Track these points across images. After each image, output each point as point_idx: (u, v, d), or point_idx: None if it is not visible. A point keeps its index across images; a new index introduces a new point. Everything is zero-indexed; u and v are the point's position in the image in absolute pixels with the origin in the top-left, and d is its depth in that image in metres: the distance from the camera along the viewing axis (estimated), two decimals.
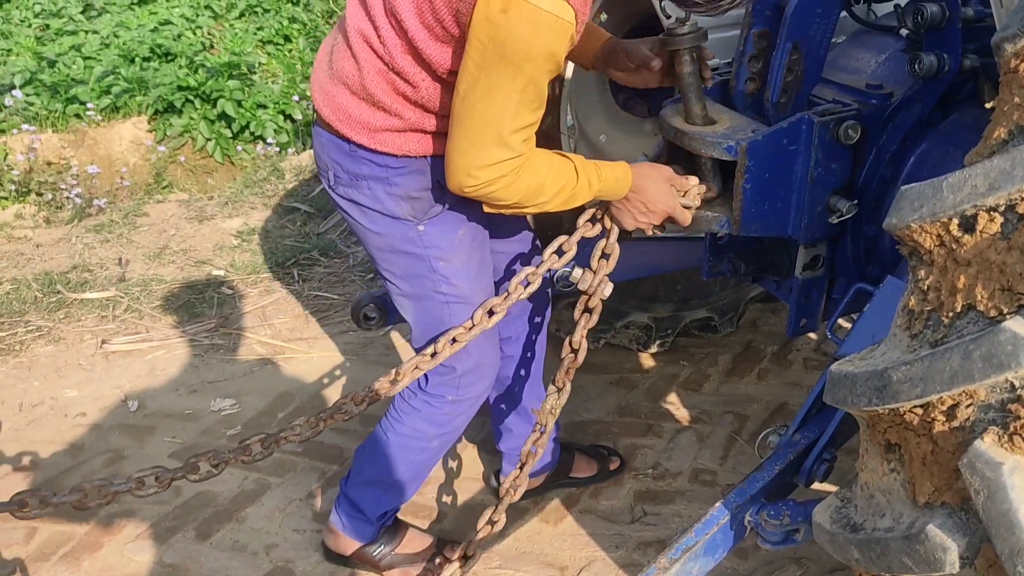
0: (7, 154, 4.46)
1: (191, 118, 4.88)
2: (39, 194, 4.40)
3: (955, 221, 1.12)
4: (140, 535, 2.45)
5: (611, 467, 2.63)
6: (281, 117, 5.08)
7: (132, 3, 6.36)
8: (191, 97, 4.91)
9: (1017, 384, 1.06)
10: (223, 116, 4.92)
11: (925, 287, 1.20)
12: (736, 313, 3.18)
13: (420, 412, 2.12)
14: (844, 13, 2.00)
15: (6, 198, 4.38)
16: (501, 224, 2.06)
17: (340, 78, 1.82)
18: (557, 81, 2.49)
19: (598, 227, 1.91)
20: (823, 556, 2.12)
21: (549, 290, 2.28)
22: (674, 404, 2.95)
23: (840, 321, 1.97)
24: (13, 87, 4.87)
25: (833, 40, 1.96)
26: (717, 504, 1.76)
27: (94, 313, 3.51)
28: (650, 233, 1.91)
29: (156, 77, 5.02)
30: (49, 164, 4.55)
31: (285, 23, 6.17)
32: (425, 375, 2.09)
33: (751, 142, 1.82)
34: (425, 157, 1.83)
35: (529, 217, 2.14)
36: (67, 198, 4.36)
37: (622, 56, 1.94)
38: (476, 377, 2.09)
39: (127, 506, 2.54)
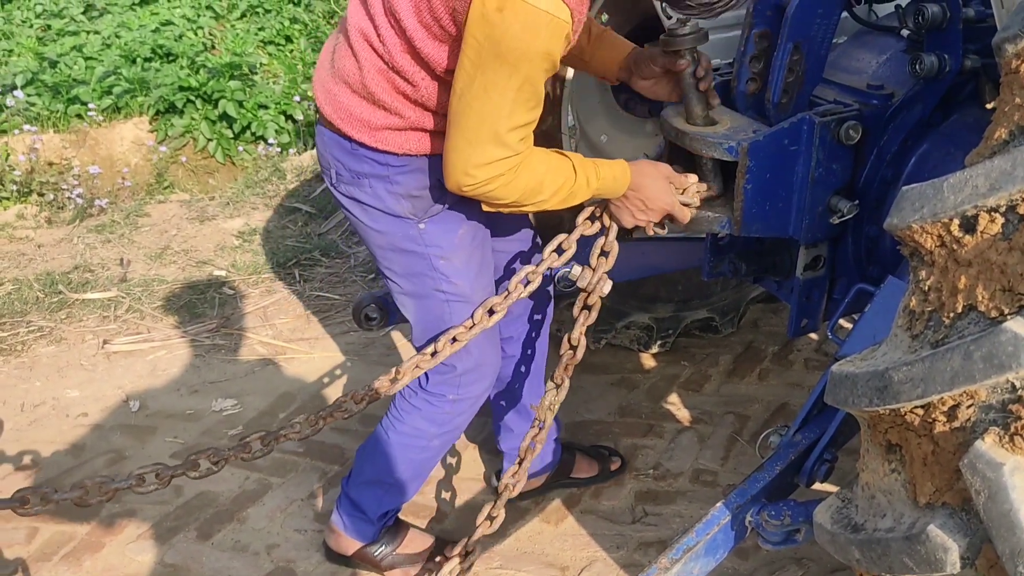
0: (9, 154, 4.47)
1: (192, 118, 4.88)
2: (41, 194, 4.41)
3: (956, 222, 1.12)
4: (141, 535, 2.45)
5: (612, 467, 2.63)
6: (282, 117, 5.08)
7: (133, 3, 6.36)
8: (192, 97, 4.92)
9: (1018, 385, 1.06)
10: (224, 116, 4.92)
11: (926, 287, 1.20)
12: (737, 313, 3.17)
13: (421, 411, 2.12)
14: (845, 14, 2.00)
15: (8, 198, 4.39)
16: (502, 223, 2.06)
17: (341, 77, 1.83)
18: (558, 82, 2.49)
19: (597, 225, 1.91)
20: (824, 556, 2.12)
21: (551, 290, 2.28)
22: (675, 404, 2.95)
23: (841, 321, 1.97)
24: (15, 87, 4.87)
25: (834, 41, 1.96)
26: (718, 504, 1.76)
27: (96, 313, 3.51)
28: (651, 233, 1.91)
29: (157, 77, 5.03)
30: (51, 164, 4.56)
31: (286, 23, 6.17)
32: (426, 374, 2.09)
33: (752, 142, 1.82)
34: (426, 156, 1.84)
35: (530, 216, 2.15)
36: (68, 198, 4.36)
37: (647, 63, 1.93)
38: (477, 376, 2.09)
39: (128, 506, 2.54)
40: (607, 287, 1.91)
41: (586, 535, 2.43)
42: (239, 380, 3.11)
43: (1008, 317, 1.07)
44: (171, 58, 5.39)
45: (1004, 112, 1.15)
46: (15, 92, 4.80)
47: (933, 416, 1.15)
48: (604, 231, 1.91)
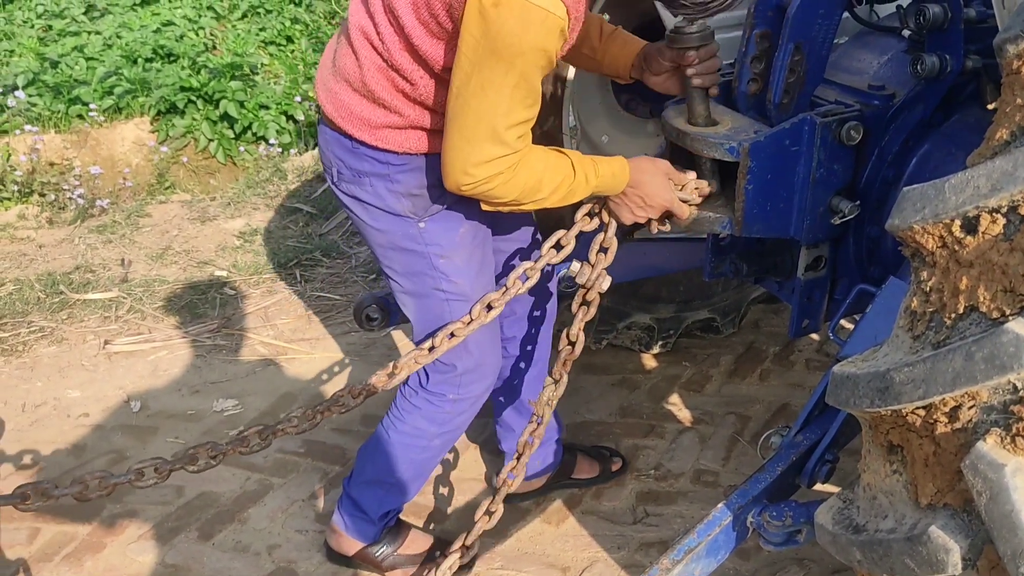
0: (10, 155, 4.47)
1: (193, 119, 4.88)
2: (42, 195, 4.41)
3: (957, 222, 1.12)
4: (143, 535, 2.45)
5: (613, 468, 2.63)
6: (283, 118, 5.08)
7: (135, 4, 6.36)
8: (193, 98, 4.92)
9: (1019, 385, 1.06)
10: (225, 117, 4.93)
11: (927, 288, 1.20)
12: (738, 314, 3.17)
13: (421, 410, 2.12)
14: (846, 14, 2.00)
15: (9, 199, 4.39)
16: (503, 222, 2.06)
17: (342, 75, 1.84)
18: (559, 82, 2.49)
19: (596, 221, 1.91)
20: (825, 557, 2.12)
21: (553, 290, 2.28)
22: (676, 405, 2.95)
23: (842, 322, 1.97)
24: (16, 88, 4.87)
25: (835, 41, 1.96)
26: (719, 505, 1.76)
27: (97, 314, 3.51)
28: (654, 231, 1.92)
29: (159, 78, 5.03)
30: (52, 165, 4.56)
31: (287, 24, 6.17)
32: (426, 373, 2.10)
33: (753, 143, 1.82)
34: (426, 154, 1.84)
35: (532, 215, 2.15)
36: (70, 199, 4.36)
37: (657, 58, 1.92)
38: (477, 376, 2.09)
39: (130, 506, 2.54)
40: (606, 283, 1.91)
41: (587, 536, 2.43)
42: (240, 380, 3.11)
43: (1010, 318, 1.07)
44: (172, 58, 5.39)
45: (1005, 113, 1.14)
46: (16, 92, 4.80)
47: (935, 417, 1.15)
48: (603, 227, 1.91)
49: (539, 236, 2.20)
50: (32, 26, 6.08)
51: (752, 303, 3.19)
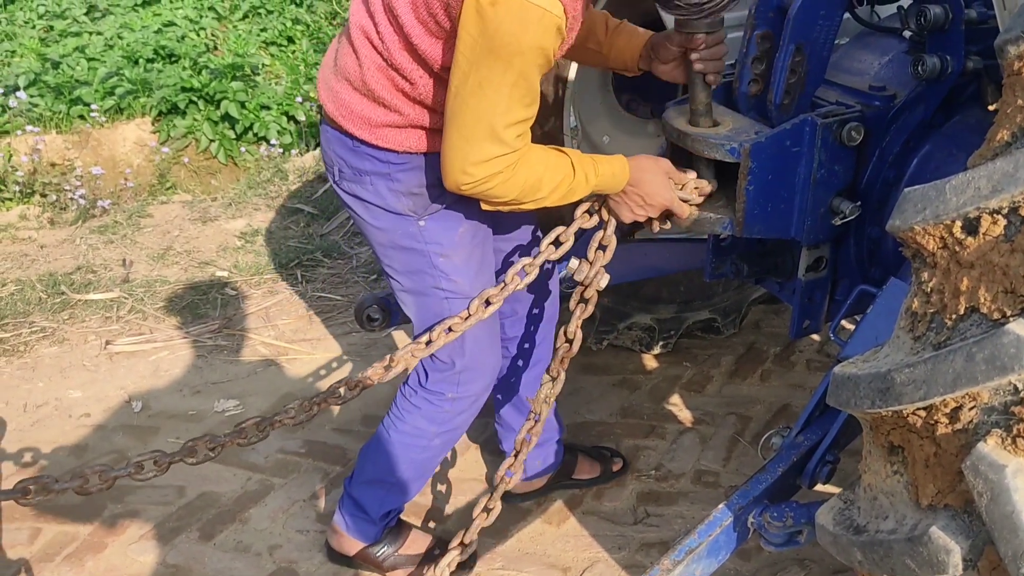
0: (11, 155, 4.47)
1: (195, 119, 4.88)
2: (43, 195, 4.41)
3: (958, 223, 1.12)
4: (144, 536, 2.46)
5: (614, 468, 2.63)
6: (284, 118, 5.08)
7: (136, 4, 6.36)
8: (195, 98, 4.92)
9: (1020, 386, 1.06)
10: (227, 117, 4.93)
11: (928, 289, 1.20)
12: (739, 314, 3.17)
13: (421, 410, 2.13)
14: (847, 15, 2.00)
15: (10, 199, 4.39)
16: (503, 221, 2.06)
17: (343, 74, 1.85)
18: (560, 83, 2.49)
19: (595, 219, 1.91)
20: (826, 558, 2.12)
21: (555, 290, 2.28)
22: (677, 405, 2.95)
23: (843, 323, 1.97)
24: (17, 88, 4.88)
25: (836, 42, 1.96)
26: (720, 506, 1.76)
27: (98, 314, 3.51)
28: (654, 230, 1.92)
29: (160, 78, 5.03)
30: (53, 165, 4.56)
31: (288, 24, 6.17)
32: (425, 372, 2.10)
33: (754, 144, 1.82)
34: (426, 153, 1.85)
35: (534, 215, 2.15)
36: (71, 199, 4.37)
37: (665, 44, 1.90)
38: (475, 375, 2.10)
39: (131, 507, 2.55)
40: (604, 281, 1.91)
41: (588, 536, 2.43)
42: (241, 381, 3.11)
43: (1010, 319, 1.07)
44: (173, 59, 5.40)
45: (1006, 114, 1.15)
46: (18, 93, 4.80)
47: (935, 418, 1.15)
48: (602, 225, 1.91)
49: (540, 235, 2.20)
50: (33, 27, 6.08)
51: (753, 304, 3.19)
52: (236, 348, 3.30)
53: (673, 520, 2.48)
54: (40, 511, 2.53)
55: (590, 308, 1.92)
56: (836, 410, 1.69)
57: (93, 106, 4.80)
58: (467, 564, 2.27)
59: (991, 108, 1.20)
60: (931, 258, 1.18)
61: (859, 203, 1.93)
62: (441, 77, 1.73)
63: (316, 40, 6.02)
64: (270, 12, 6.39)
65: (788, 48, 1.88)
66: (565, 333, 1.94)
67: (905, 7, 1.94)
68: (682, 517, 2.48)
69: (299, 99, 5.17)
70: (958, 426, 1.13)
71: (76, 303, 3.57)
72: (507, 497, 1.99)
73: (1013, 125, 1.13)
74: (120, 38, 5.66)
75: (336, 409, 2.92)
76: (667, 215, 1.90)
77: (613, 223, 1.90)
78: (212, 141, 4.86)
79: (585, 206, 1.92)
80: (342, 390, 1.90)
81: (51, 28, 6.01)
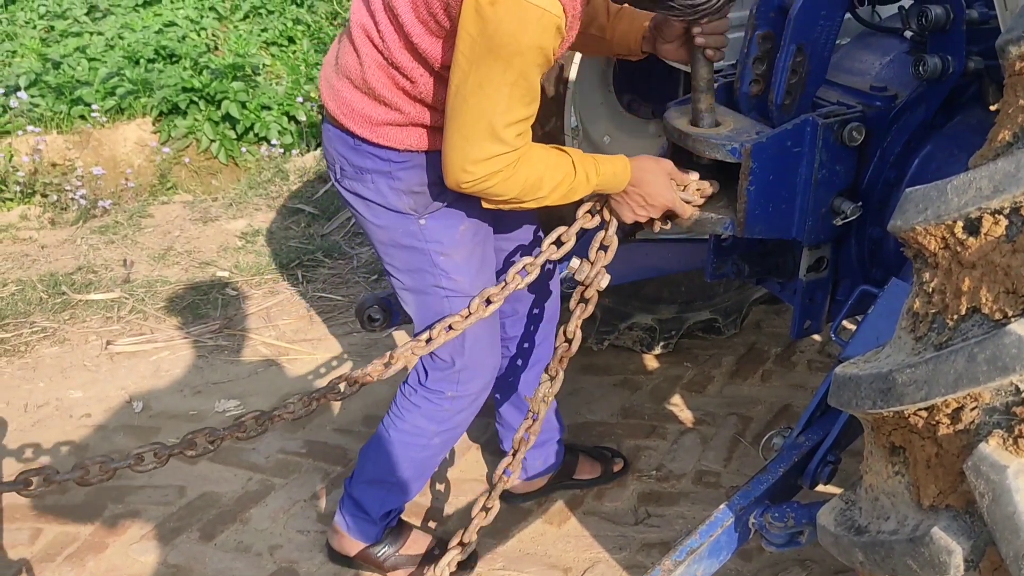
0: (12, 155, 4.47)
1: (195, 119, 4.88)
2: (44, 195, 4.41)
3: (960, 224, 1.12)
4: (145, 536, 2.46)
5: (615, 469, 2.63)
6: (285, 119, 5.08)
7: (137, 5, 6.37)
8: (195, 99, 4.92)
9: (1022, 387, 1.06)
10: (227, 118, 4.93)
11: (930, 289, 1.20)
12: (740, 315, 3.17)
13: (420, 409, 2.13)
14: (848, 15, 2.00)
15: (11, 199, 4.39)
16: (504, 221, 2.07)
17: (344, 72, 1.85)
18: (561, 83, 2.49)
19: (597, 219, 1.91)
20: (827, 558, 2.12)
21: (556, 290, 2.28)
22: (678, 406, 2.95)
23: (844, 323, 1.97)
24: (18, 88, 4.88)
25: (837, 42, 1.96)
26: (721, 506, 1.76)
27: (99, 314, 3.51)
28: (656, 230, 1.91)
29: (161, 79, 5.03)
30: (54, 165, 4.56)
31: (289, 25, 6.17)
32: (425, 371, 2.10)
33: (755, 144, 1.82)
34: (427, 151, 1.85)
35: (535, 214, 2.14)
36: (72, 199, 4.37)
37: (669, 24, 1.88)
38: (474, 373, 2.10)
39: (132, 507, 2.55)
40: (605, 281, 1.91)
41: (589, 536, 2.43)
42: (242, 381, 3.11)
43: (1012, 319, 1.07)
44: (174, 59, 5.40)
45: (1008, 114, 1.14)
46: (19, 93, 4.80)
47: (937, 418, 1.15)
48: (604, 225, 1.91)
49: (541, 235, 2.20)
50: (34, 27, 6.08)
51: (754, 304, 3.19)
52: (237, 348, 3.30)
53: (674, 520, 2.48)
54: (41, 511, 2.53)
55: (590, 308, 1.92)
56: (837, 410, 1.69)
57: (94, 106, 4.81)
58: (467, 564, 2.27)
59: (992, 108, 1.20)
60: (932, 258, 1.18)
61: (860, 203, 1.93)
62: (442, 75, 1.74)
63: (317, 40, 6.03)
64: (271, 12, 6.39)
65: (789, 48, 1.88)
66: (565, 332, 1.94)
67: (906, 7, 1.94)
68: (683, 517, 2.48)
69: (300, 99, 5.17)
70: (959, 427, 1.13)
71: (77, 303, 3.57)
72: (508, 497, 1.99)
73: (1014, 125, 1.13)
74: (121, 38, 5.66)
75: (337, 409, 2.92)
76: (669, 216, 1.90)
77: (615, 223, 1.90)
78: (213, 141, 4.86)
79: (587, 206, 1.92)
80: (342, 386, 1.90)
81: (52, 28, 6.01)
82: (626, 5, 1.99)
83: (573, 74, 2.50)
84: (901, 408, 1.18)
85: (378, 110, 1.82)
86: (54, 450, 2.77)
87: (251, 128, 4.96)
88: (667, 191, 1.84)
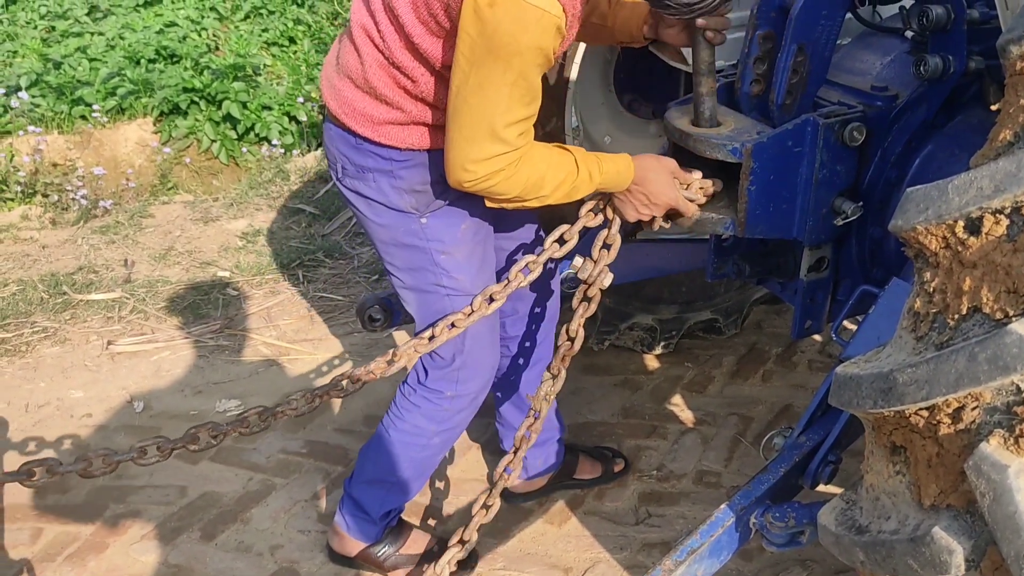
0: (13, 156, 4.47)
1: (196, 120, 4.89)
2: (45, 195, 4.41)
3: (961, 223, 1.12)
4: (145, 535, 2.46)
5: (615, 469, 2.63)
6: (286, 119, 5.08)
7: (137, 5, 6.37)
8: (196, 99, 4.92)
9: (1023, 386, 1.06)
10: (228, 118, 4.93)
11: (931, 289, 1.20)
12: (741, 315, 3.17)
13: (420, 408, 2.13)
14: (849, 15, 2.00)
15: (12, 199, 4.40)
16: (505, 220, 2.07)
17: (345, 72, 1.86)
18: (562, 83, 2.49)
19: (600, 217, 1.92)
20: (828, 558, 2.12)
21: (557, 290, 2.28)
22: (678, 406, 2.95)
23: (845, 323, 1.97)
24: (19, 88, 4.88)
25: (838, 42, 1.96)
26: (722, 506, 1.76)
27: (100, 314, 3.52)
28: (656, 228, 1.91)
29: (161, 79, 5.03)
30: (55, 166, 4.57)
31: (290, 25, 6.18)
32: (425, 370, 2.10)
33: (756, 144, 1.82)
34: (428, 150, 1.85)
35: (536, 214, 2.14)
36: (73, 199, 4.37)
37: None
38: (474, 372, 2.10)
39: (133, 507, 2.55)
40: (607, 280, 1.91)
41: (589, 536, 2.43)
42: (243, 381, 3.11)
43: (1013, 319, 1.07)
44: (175, 59, 5.40)
45: (1009, 114, 1.14)
46: (20, 93, 4.81)
47: (938, 418, 1.15)
48: (607, 224, 1.91)
49: (542, 234, 2.20)
50: (35, 27, 6.08)
51: (754, 304, 3.19)
52: (238, 348, 3.30)
53: (675, 520, 2.48)
54: (42, 511, 2.53)
55: (593, 307, 1.93)
56: (838, 410, 1.69)
57: (95, 106, 4.81)
58: (468, 563, 2.27)
59: (993, 108, 1.20)
60: (933, 258, 1.18)
61: (861, 203, 1.93)
62: (442, 75, 1.74)
63: (318, 40, 6.03)
64: (272, 12, 6.39)
65: (790, 48, 1.88)
66: (567, 331, 1.94)
67: (907, 7, 1.94)
68: (684, 517, 2.48)
69: (301, 99, 5.17)
70: (960, 426, 1.13)
71: (78, 303, 3.57)
72: (509, 497, 1.99)
73: (1015, 125, 1.13)
74: (122, 38, 5.66)
75: (338, 409, 2.92)
76: (672, 214, 1.90)
77: (618, 222, 1.90)
78: (214, 141, 4.87)
79: (590, 204, 1.92)
80: (344, 383, 1.90)
81: (53, 28, 6.02)
82: None
83: (574, 74, 2.50)
84: (902, 408, 1.18)
85: (379, 109, 1.83)
86: (55, 449, 2.77)
87: (252, 128, 4.96)
88: (670, 190, 1.85)
